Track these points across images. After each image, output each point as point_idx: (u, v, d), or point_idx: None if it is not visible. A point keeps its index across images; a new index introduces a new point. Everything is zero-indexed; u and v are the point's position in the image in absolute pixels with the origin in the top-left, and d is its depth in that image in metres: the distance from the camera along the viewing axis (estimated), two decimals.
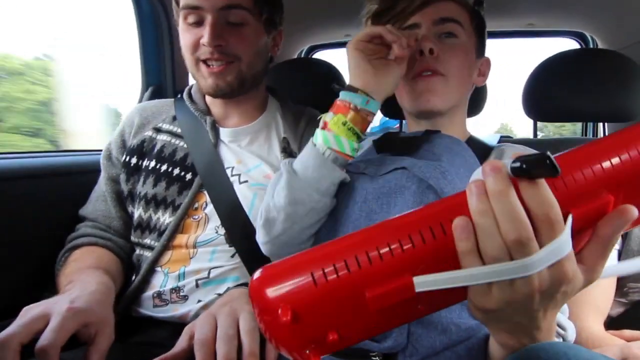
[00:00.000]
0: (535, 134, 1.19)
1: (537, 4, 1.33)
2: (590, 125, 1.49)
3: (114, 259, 0.80)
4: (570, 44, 1.62)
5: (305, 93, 1.20)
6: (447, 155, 0.56)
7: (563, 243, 0.29)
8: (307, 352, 0.32)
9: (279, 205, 0.62)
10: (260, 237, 0.66)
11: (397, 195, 0.54)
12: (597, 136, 1.50)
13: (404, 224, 0.32)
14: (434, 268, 0.31)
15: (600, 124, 1.48)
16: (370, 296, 0.31)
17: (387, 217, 0.34)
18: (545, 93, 1.01)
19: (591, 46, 1.52)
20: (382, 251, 0.31)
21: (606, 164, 0.30)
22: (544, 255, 0.29)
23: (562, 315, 0.49)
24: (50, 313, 0.53)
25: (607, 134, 1.52)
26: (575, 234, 0.30)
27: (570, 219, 0.29)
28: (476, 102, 1.00)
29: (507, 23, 1.53)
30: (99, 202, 0.85)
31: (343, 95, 0.61)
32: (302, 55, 1.80)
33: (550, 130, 3.42)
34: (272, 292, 0.32)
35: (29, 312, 0.54)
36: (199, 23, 0.75)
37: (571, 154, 0.32)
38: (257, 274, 0.34)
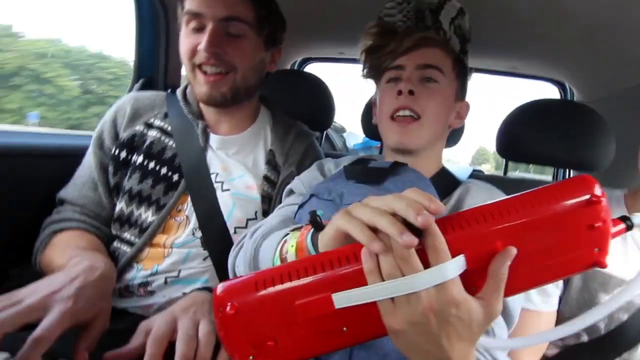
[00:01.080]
0: (505, 172, 1.25)
1: (520, 50, 1.39)
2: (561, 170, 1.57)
3: (104, 247, 0.80)
4: (551, 88, 1.71)
5: (294, 104, 1.22)
6: None
7: (447, 267, 0.36)
8: (251, 357, 0.39)
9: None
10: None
11: None
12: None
13: (332, 253, 0.41)
14: (351, 288, 0.38)
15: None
16: (297, 304, 0.38)
17: None
18: (518, 135, 1.06)
19: (569, 95, 1.61)
20: (309, 270, 0.40)
21: (494, 225, 0.38)
22: (428, 273, 0.36)
23: (502, 354, 0.53)
24: (49, 307, 0.51)
25: None
26: (473, 273, 0.38)
27: (461, 256, 0.37)
28: (453, 136, 1.04)
29: (491, 63, 1.60)
30: (86, 189, 0.84)
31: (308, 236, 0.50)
32: (296, 66, 1.84)
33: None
34: (224, 292, 0.41)
35: (27, 300, 0.50)
36: (199, 30, 0.77)
37: (475, 210, 0.40)
38: (220, 285, 0.42)
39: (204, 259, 0.80)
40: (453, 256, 0.37)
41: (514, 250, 0.37)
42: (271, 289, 0.39)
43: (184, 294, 0.76)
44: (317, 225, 0.48)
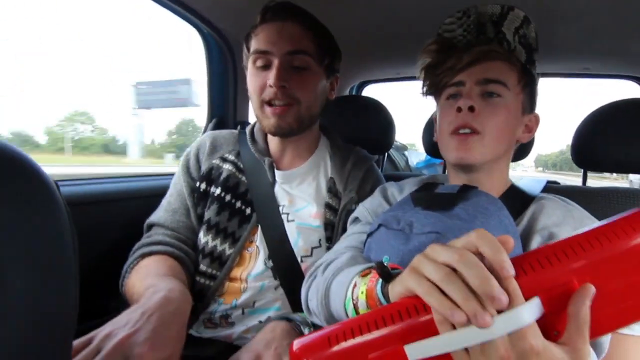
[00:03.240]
0: (584, 182, 1.15)
1: (592, 50, 1.31)
2: None
3: (185, 273, 0.82)
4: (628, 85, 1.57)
5: (354, 129, 1.25)
6: (481, 218, 0.57)
7: (521, 312, 0.34)
8: None
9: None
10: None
11: None
12: None
13: (401, 304, 0.41)
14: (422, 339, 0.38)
15: None
16: (370, 358, 0.39)
17: None
18: (596, 142, 0.99)
19: None
20: (379, 323, 0.40)
21: (571, 263, 0.36)
22: (501, 319, 0.34)
23: None
24: (127, 354, 0.52)
25: None
26: (553, 317, 0.35)
27: (536, 298, 0.35)
28: (521, 150, 1.00)
29: (561, 66, 1.51)
30: (179, 214, 0.89)
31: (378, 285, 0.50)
32: (354, 90, 1.88)
33: None
34: (300, 349, 0.42)
35: (106, 347, 0.53)
36: (266, 67, 0.82)
37: (547, 248, 0.38)
38: (297, 342, 0.44)
39: (275, 289, 0.84)
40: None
41: (592, 288, 0.35)
42: (344, 344, 0.40)
43: (260, 322, 0.82)
44: (386, 276, 0.47)
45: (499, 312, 0.34)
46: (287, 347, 0.63)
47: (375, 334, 0.39)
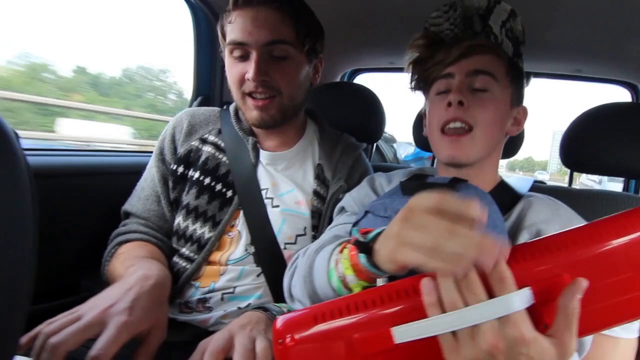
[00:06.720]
0: (570, 183, 1.16)
1: (585, 52, 1.30)
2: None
3: (164, 257, 0.83)
4: (619, 90, 1.58)
5: (344, 117, 1.23)
6: None
7: (511, 298, 0.34)
8: None
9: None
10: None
11: None
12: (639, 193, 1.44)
13: (390, 286, 0.41)
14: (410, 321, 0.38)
15: None
16: (356, 338, 0.38)
17: None
18: (585, 144, 0.99)
19: None
20: (367, 304, 0.40)
21: (563, 257, 0.36)
22: (491, 304, 0.34)
23: None
24: (106, 322, 0.54)
25: None
26: (542, 309, 0.36)
27: (527, 289, 0.35)
28: (511, 145, 0.99)
29: (553, 67, 1.51)
30: (150, 202, 0.87)
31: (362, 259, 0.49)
32: (346, 78, 1.84)
33: None
34: (284, 325, 0.42)
35: (86, 316, 0.54)
36: (244, 57, 0.78)
37: (542, 241, 0.38)
38: (280, 318, 0.43)
39: (257, 276, 0.82)
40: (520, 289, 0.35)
41: (584, 282, 0.35)
42: (330, 323, 0.39)
43: (239, 308, 0.79)
44: (365, 249, 0.47)
45: (490, 297, 0.34)
46: (262, 330, 0.62)
47: (362, 315, 0.39)
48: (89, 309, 0.55)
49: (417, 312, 0.37)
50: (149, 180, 0.89)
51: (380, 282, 0.50)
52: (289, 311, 0.72)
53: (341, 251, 0.55)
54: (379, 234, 0.48)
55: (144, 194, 0.88)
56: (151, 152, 0.93)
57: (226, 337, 0.60)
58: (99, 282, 0.82)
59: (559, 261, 0.36)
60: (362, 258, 0.48)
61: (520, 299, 0.34)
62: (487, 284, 0.35)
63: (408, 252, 0.38)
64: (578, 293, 0.34)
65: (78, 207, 0.92)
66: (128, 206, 0.89)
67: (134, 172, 0.93)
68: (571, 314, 0.34)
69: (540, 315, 0.35)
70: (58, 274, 0.90)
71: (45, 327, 0.53)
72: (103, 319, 0.54)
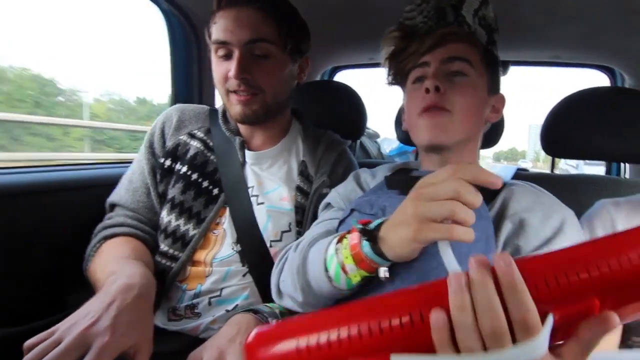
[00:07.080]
0: (552, 169, 1.17)
1: (562, 37, 1.31)
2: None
3: (149, 253, 0.81)
4: (597, 75, 1.60)
5: (326, 115, 1.23)
6: None
7: (537, 345, 0.29)
8: None
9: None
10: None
11: None
12: (620, 176, 1.46)
13: (387, 306, 0.34)
14: (412, 351, 0.32)
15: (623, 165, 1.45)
16: None
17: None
18: (565, 130, 1.00)
19: (619, 81, 1.49)
20: (362, 331, 0.33)
21: (593, 271, 0.30)
22: (516, 352, 0.29)
23: None
24: (88, 343, 0.51)
25: (628, 175, 1.47)
26: (557, 329, 0.30)
27: (549, 319, 0.30)
28: (492, 134, 1.00)
29: (531, 54, 1.52)
30: (139, 194, 0.87)
31: (366, 248, 0.51)
32: (326, 75, 1.84)
33: None
34: (255, 340, 0.36)
35: (66, 339, 0.51)
36: (228, 56, 0.80)
37: (562, 254, 0.32)
38: (252, 336, 0.37)
39: (243, 276, 0.81)
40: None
41: (616, 320, 0.29)
42: (311, 339, 0.33)
43: (227, 311, 0.79)
44: (372, 237, 0.49)
45: (513, 341, 0.30)
46: None
47: (353, 332, 0.33)
48: (69, 328, 0.52)
49: (420, 340, 0.32)
50: (138, 172, 0.88)
51: (382, 271, 0.50)
52: (280, 311, 0.72)
53: (339, 241, 0.56)
54: (381, 223, 0.51)
55: (133, 186, 0.88)
56: (131, 160, 0.92)
57: (215, 357, 0.60)
58: (86, 297, 0.81)
59: (588, 288, 0.30)
60: (366, 247, 0.50)
61: (545, 339, 0.29)
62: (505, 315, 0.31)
63: (432, 227, 0.41)
64: (608, 331, 0.30)
65: (58, 222, 0.90)
66: (115, 197, 0.88)
67: (112, 185, 0.91)
68: (591, 347, 0.31)
69: (554, 333, 0.30)
70: (42, 292, 0.88)
71: (26, 354, 0.50)
72: (84, 340, 0.51)
